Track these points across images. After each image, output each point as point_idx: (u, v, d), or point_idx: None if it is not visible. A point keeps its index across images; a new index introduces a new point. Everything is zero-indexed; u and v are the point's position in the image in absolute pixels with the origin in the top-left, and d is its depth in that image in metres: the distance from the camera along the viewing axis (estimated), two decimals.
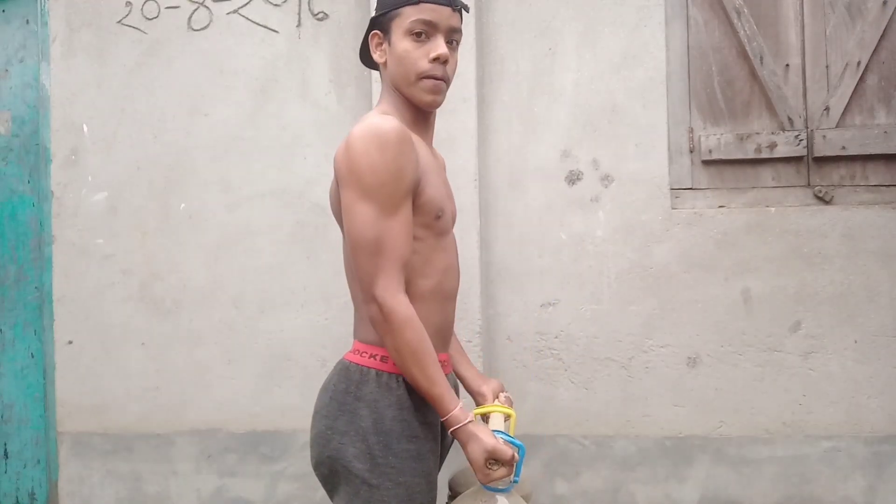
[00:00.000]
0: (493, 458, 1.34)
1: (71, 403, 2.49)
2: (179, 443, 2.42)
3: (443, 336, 1.51)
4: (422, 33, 1.43)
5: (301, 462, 2.36)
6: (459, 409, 1.36)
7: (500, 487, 1.38)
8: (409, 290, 1.40)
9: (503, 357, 2.27)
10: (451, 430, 1.36)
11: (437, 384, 1.35)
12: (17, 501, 2.57)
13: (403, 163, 1.35)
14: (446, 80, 1.47)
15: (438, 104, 1.49)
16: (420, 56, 1.43)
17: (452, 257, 1.53)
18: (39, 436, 2.54)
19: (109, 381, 2.46)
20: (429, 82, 1.44)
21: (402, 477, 1.38)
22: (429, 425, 1.44)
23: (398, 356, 1.36)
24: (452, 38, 1.47)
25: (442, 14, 1.43)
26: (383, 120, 1.38)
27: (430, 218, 1.43)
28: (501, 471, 1.35)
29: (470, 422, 1.36)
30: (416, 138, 1.44)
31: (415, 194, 1.40)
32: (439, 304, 1.48)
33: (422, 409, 1.42)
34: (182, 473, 2.42)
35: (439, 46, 1.43)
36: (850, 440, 2.17)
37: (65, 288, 2.49)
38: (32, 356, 2.55)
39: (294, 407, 2.37)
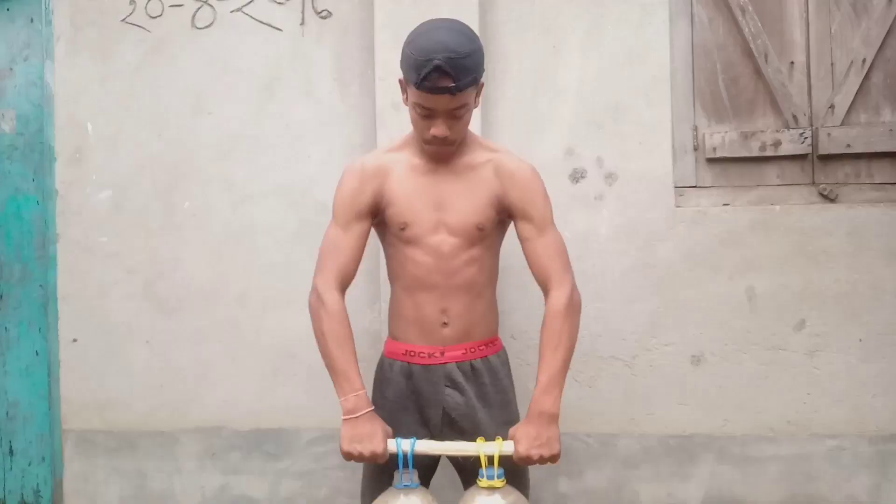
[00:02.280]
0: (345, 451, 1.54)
1: (76, 401, 2.49)
2: (184, 440, 2.42)
3: (422, 328, 1.67)
4: (424, 112, 1.54)
5: (305, 460, 2.37)
6: (348, 400, 1.54)
7: (397, 484, 1.52)
8: (391, 283, 1.73)
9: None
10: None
11: (333, 369, 1.56)
12: (23, 498, 2.58)
13: (356, 193, 1.64)
14: (450, 144, 1.59)
15: (443, 158, 1.64)
16: (423, 128, 1.57)
17: (425, 264, 1.65)
18: (44, 433, 2.55)
19: (114, 379, 2.46)
20: (431, 148, 1.61)
21: None
22: (385, 399, 1.70)
23: (315, 336, 1.59)
24: (455, 113, 1.54)
25: (439, 101, 1.51)
26: (364, 156, 1.72)
27: (395, 229, 1.65)
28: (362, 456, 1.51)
29: (346, 418, 1.53)
30: (402, 166, 1.65)
31: (381, 210, 1.65)
32: (412, 297, 1.67)
33: (380, 386, 1.72)
34: (186, 471, 2.43)
35: (438, 126, 1.54)
36: (854, 439, 2.17)
37: (69, 286, 2.49)
38: (37, 354, 2.56)
39: (298, 405, 2.37)
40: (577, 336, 1.61)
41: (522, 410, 1.76)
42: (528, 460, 1.52)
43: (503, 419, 1.68)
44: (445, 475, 1.78)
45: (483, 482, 1.50)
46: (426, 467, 1.69)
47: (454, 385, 1.66)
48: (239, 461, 2.40)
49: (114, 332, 2.46)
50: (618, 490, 2.24)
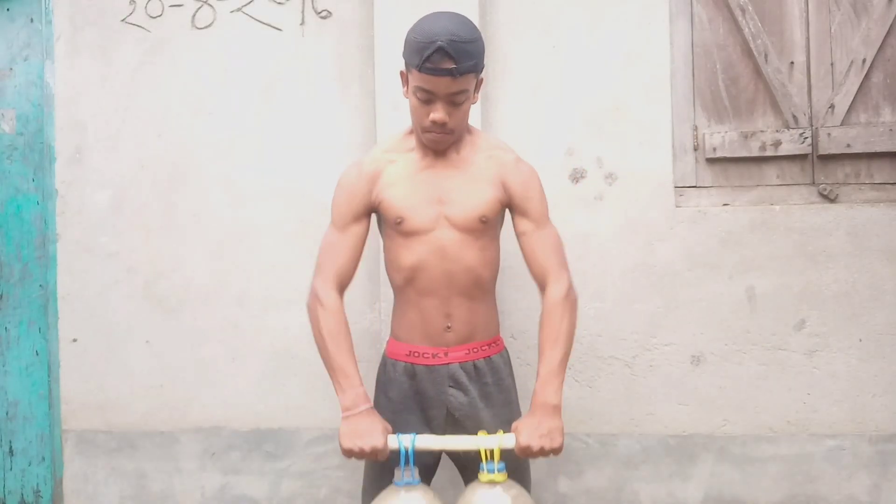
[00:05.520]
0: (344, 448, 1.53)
1: (76, 401, 2.49)
2: (183, 440, 2.42)
3: (425, 330, 1.67)
4: (424, 96, 1.55)
5: (305, 460, 2.37)
6: (346, 396, 1.55)
7: (397, 481, 1.50)
8: (391, 281, 1.72)
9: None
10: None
11: (331, 367, 1.58)
12: (23, 498, 2.58)
13: (352, 195, 1.66)
14: (448, 132, 1.59)
15: (442, 148, 1.64)
16: (423, 114, 1.57)
17: (424, 258, 1.64)
18: (44, 433, 2.55)
19: (114, 379, 2.46)
20: (430, 135, 1.60)
21: None
22: (388, 399, 1.70)
23: (314, 335, 1.62)
24: (454, 99, 1.55)
25: (439, 84, 1.52)
26: (360, 157, 1.72)
27: (391, 222, 1.65)
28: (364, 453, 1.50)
29: (346, 415, 1.54)
30: (400, 161, 1.65)
31: (376, 205, 1.66)
32: (414, 299, 1.67)
33: (383, 387, 1.71)
34: (186, 471, 2.43)
35: (437, 111, 1.55)
36: (854, 439, 2.17)
37: (69, 286, 2.49)
38: (37, 354, 2.56)
39: (298, 405, 2.37)
40: (575, 331, 1.61)
41: (524, 409, 1.77)
42: (529, 451, 1.50)
43: (506, 418, 1.68)
44: (446, 474, 1.78)
45: (484, 476, 1.48)
46: (427, 466, 1.69)
47: (458, 385, 1.67)
48: (239, 461, 2.40)
49: (114, 331, 2.46)
50: (618, 490, 2.24)
